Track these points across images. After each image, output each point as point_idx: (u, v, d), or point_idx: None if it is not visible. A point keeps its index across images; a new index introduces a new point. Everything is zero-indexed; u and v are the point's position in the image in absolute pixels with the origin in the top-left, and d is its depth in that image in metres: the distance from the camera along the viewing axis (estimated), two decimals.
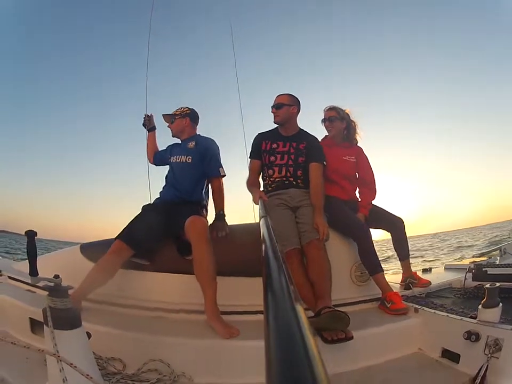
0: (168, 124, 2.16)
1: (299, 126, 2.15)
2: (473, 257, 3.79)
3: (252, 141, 2.19)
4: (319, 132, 2.33)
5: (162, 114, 2.20)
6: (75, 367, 0.71)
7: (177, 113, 2.13)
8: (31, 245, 1.14)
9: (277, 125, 2.12)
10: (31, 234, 1.14)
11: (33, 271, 1.11)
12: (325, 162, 2.05)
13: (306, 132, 2.17)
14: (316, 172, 2.00)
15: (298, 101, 2.10)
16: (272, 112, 2.09)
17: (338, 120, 2.25)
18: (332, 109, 2.27)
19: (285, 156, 2.06)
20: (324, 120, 2.29)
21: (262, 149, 2.11)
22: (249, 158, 2.17)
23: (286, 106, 2.05)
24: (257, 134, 2.20)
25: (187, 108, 2.16)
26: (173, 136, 2.17)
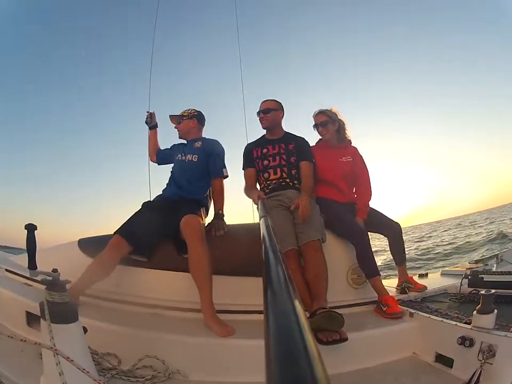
0: (175, 125, 2.18)
1: (288, 128, 2.22)
2: (469, 263, 3.81)
3: (243, 152, 2.24)
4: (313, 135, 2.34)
5: (170, 115, 2.20)
6: (72, 360, 0.71)
7: (184, 114, 2.16)
8: (31, 238, 1.15)
9: (265, 130, 2.19)
10: (31, 228, 1.14)
11: (32, 265, 1.11)
12: (314, 160, 2.13)
13: (292, 134, 2.22)
14: (307, 170, 2.08)
15: (283, 106, 2.20)
16: (260, 117, 2.16)
17: (330, 123, 2.24)
18: (321, 113, 2.25)
19: (276, 157, 2.11)
20: (316, 126, 2.27)
21: (253, 156, 2.17)
22: (243, 169, 2.21)
23: (273, 111, 2.14)
24: (246, 145, 2.27)
25: (194, 109, 2.19)
26: (180, 137, 2.20)
